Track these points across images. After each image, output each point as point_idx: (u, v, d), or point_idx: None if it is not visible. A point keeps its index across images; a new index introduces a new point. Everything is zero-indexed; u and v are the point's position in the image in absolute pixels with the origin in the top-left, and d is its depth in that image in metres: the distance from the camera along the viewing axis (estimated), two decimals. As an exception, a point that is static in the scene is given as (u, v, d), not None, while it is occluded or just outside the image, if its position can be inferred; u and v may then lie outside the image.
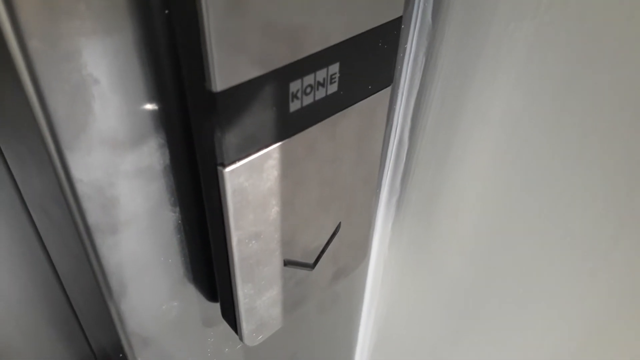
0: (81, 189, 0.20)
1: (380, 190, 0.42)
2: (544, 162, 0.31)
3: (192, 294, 0.29)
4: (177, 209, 0.25)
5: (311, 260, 0.30)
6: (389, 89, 0.28)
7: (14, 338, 0.33)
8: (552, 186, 0.32)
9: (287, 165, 0.24)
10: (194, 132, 0.22)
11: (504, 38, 0.30)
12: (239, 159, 0.22)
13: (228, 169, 0.21)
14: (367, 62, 0.25)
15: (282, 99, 0.22)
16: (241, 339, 0.29)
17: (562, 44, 0.27)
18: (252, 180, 0.23)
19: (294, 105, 0.22)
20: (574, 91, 0.28)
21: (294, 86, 0.22)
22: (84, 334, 0.36)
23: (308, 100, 0.23)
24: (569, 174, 0.30)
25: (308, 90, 0.23)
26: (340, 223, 0.31)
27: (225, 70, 0.19)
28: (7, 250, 0.29)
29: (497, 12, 0.29)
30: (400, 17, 0.25)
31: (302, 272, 0.30)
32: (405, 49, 0.34)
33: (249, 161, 0.22)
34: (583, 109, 0.28)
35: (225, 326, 0.32)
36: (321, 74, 0.23)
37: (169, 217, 0.25)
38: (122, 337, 0.27)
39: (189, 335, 0.31)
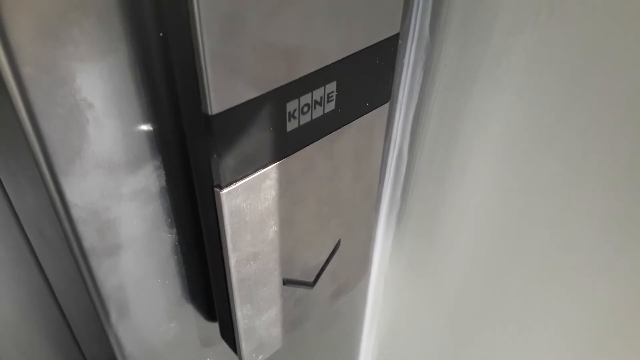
0: (76, 213, 0.20)
1: (380, 204, 0.42)
2: (544, 175, 0.31)
3: (190, 314, 0.29)
4: (174, 230, 0.24)
5: (311, 279, 0.30)
6: (387, 105, 0.27)
7: (11, 355, 0.32)
8: (553, 199, 0.31)
9: (285, 185, 0.24)
10: (190, 154, 0.21)
11: (503, 51, 0.30)
12: (236, 181, 0.21)
13: (225, 191, 0.21)
14: (364, 80, 0.25)
15: (279, 119, 0.22)
16: (240, 359, 0.29)
17: (561, 57, 0.27)
18: (250, 201, 0.23)
19: (291, 125, 0.22)
20: (574, 103, 0.28)
21: (291, 106, 0.22)
22: (82, 353, 0.36)
23: (305, 119, 0.23)
24: (569, 186, 0.30)
25: (305, 109, 0.22)
26: (340, 240, 0.30)
27: (221, 93, 0.19)
28: (2, 268, 0.29)
29: (496, 25, 0.29)
30: (397, 34, 0.25)
31: (301, 291, 0.30)
32: (403, 63, 0.34)
33: (246, 182, 0.22)
34: (583, 121, 0.28)
35: (224, 345, 0.32)
36: (318, 93, 0.23)
37: (165, 239, 0.24)
38: (120, 359, 0.27)
39: (188, 355, 0.31)
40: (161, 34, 0.19)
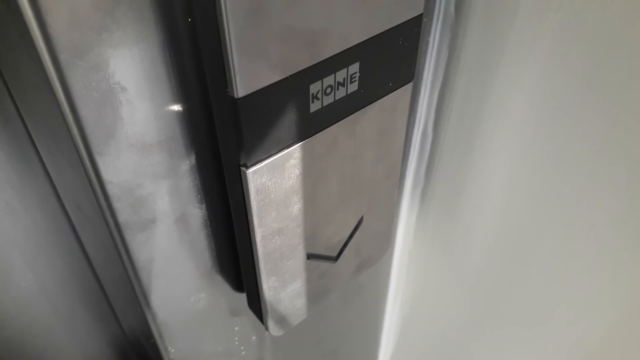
0: (111, 190, 0.21)
1: (404, 181, 0.42)
2: (567, 155, 0.31)
3: (219, 285, 0.30)
4: (204, 206, 0.25)
5: (334, 253, 0.31)
6: (410, 84, 0.28)
7: (53, 323, 0.34)
8: (575, 179, 0.31)
9: (309, 164, 0.25)
10: (218, 135, 0.22)
11: (527, 31, 0.29)
12: (261, 160, 0.22)
13: (251, 170, 0.22)
14: (387, 60, 0.25)
15: (303, 100, 0.22)
16: (267, 328, 0.30)
17: (585, 37, 0.27)
18: (275, 180, 0.24)
19: (315, 106, 0.23)
20: (598, 84, 0.28)
21: (314, 87, 0.22)
22: (119, 322, 0.37)
23: (328, 100, 0.23)
24: (592, 166, 0.30)
25: (328, 90, 0.23)
26: (362, 217, 0.31)
27: (246, 77, 0.19)
28: (44, 241, 0.30)
29: (520, 4, 0.29)
30: (421, 15, 0.25)
31: (325, 265, 0.31)
32: (427, 42, 0.34)
33: (271, 161, 0.23)
34: (606, 102, 0.28)
35: (251, 315, 0.33)
36: (341, 74, 0.23)
37: (195, 214, 0.26)
38: (153, 326, 0.28)
39: (217, 324, 0.33)
40: (189, 20, 0.19)
